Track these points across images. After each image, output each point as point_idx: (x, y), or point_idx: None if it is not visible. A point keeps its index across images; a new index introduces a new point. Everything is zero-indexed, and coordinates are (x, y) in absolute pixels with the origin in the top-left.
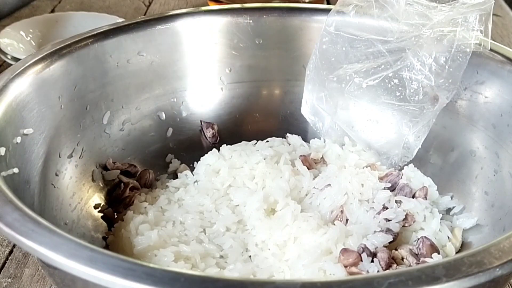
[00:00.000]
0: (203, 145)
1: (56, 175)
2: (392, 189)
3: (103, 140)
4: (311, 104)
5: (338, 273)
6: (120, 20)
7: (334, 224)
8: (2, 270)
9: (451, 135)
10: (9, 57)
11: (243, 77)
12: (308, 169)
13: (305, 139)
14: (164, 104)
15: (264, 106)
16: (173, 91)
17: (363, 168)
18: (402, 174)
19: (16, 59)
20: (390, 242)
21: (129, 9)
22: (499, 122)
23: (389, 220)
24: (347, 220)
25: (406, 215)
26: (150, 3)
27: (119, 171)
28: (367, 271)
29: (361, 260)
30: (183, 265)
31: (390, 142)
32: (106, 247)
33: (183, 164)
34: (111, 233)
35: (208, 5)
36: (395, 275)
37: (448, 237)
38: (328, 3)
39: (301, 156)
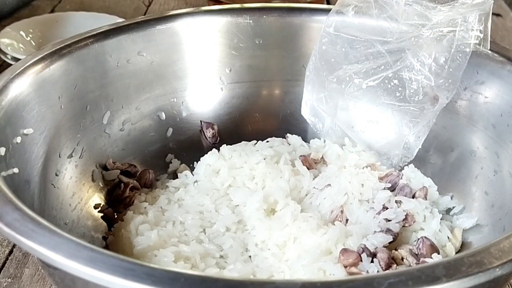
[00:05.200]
0: (203, 145)
1: (56, 175)
2: (392, 189)
3: (103, 140)
4: (311, 105)
5: (338, 273)
6: (120, 20)
7: (334, 224)
8: (2, 270)
9: (451, 135)
10: (9, 57)
11: (243, 77)
12: (308, 169)
13: (305, 139)
14: (164, 104)
15: (264, 106)
16: (173, 91)
17: (363, 168)
18: (402, 174)
19: (16, 59)
20: (390, 242)
21: (129, 9)
22: (499, 122)
23: (389, 220)
24: (347, 220)
25: (406, 215)
26: (150, 3)
27: (119, 171)
28: (367, 271)
29: (361, 260)
30: (183, 265)
31: (390, 143)
32: (106, 247)
33: (183, 164)
34: (111, 233)
35: (208, 5)
36: (395, 275)
37: (448, 237)
38: (328, 3)
39: (301, 156)
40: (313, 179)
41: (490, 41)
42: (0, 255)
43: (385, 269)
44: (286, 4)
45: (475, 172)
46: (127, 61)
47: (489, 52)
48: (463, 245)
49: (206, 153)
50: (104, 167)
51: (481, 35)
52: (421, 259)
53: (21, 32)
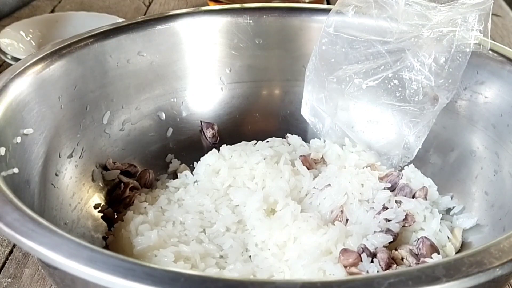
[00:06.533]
0: (203, 145)
1: (56, 175)
2: (392, 189)
3: (103, 140)
4: (311, 105)
5: (338, 273)
6: (120, 20)
7: (334, 224)
8: (2, 270)
9: (451, 135)
10: (9, 57)
11: (243, 77)
12: (308, 169)
13: (305, 139)
14: (164, 104)
15: (264, 106)
16: (173, 91)
17: (363, 168)
18: (402, 175)
19: (16, 59)
20: (390, 242)
21: (129, 9)
22: (499, 122)
23: (389, 220)
24: (347, 220)
25: (406, 215)
26: (150, 3)
27: (119, 171)
28: (367, 271)
29: (361, 261)
30: (183, 265)
31: (390, 143)
32: (106, 247)
33: (183, 164)
34: (111, 233)
35: (208, 5)
36: (395, 275)
37: (448, 237)
38: (328, 3)
39: (301, 156)
40: (313, 179)
41: (490, 41)
42: (0, 255)
43: (385, 269)
44: (286, 4)
45: (475, 172)
46: (127, 61)
47: (489, 52)
48: (463, 245)
49: (206, 153)
50: (104, 167)
51: (481, 35)
52: (421, 259)
53: (21, 32)
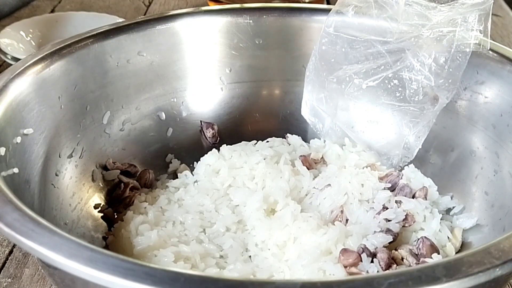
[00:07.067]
0: (203, 145)
1: (56, 175)
2: (392, 189)
3: (103, 140)
4: (311, 105)
5: (338, 273)
6: (120, 20)
7: (334, 224)
8: (2, 270)
9: (451, 135)
10: (9, 57)
11: (243, 77)
12: (308, 169)
13: (305, 139)
14: (164, 104)
15: (264, 106)
16: (173, 91)
17: (363, 168)
18: (402, 175)
19: (16, 59)
20: (390, 242)
21: (129, 9)
22: (499, 122)
23: (389, 220)
24: (347, 220)
25: (406, 215)
26: (150, 3)
27: (119, 171)
28: (367, 271)
29: (361, 261)
30: (183, 265)
31: (390, 143)
32: (106, 247)
33: (183, 164)
34: (111, 233)
35: (208, 5)
36: (395, 275)
37: (448, 237)
38: (328, 3)
39: (301, 156)
40: (313, 179)
41: (490, 41)
42: (0, 255)
43: (385, 269)
44: (286, 4)
45: (475, 172)
46: (127, 61)
47: (489, 52)
48: (463, 245)
49: (206, 153)
50: (104, 167)
51: (481, 35)
52: (421, 259)
53: (21, 32)
